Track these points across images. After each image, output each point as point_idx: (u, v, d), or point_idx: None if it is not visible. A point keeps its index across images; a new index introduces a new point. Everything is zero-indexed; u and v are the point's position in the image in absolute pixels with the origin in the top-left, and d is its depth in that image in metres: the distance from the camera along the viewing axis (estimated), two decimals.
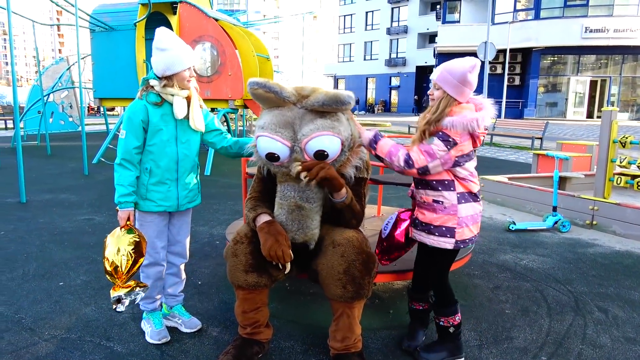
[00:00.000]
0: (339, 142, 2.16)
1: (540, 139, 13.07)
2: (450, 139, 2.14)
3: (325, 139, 2.12)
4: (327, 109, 2.13)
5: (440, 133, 2.15)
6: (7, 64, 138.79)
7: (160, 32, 2.37)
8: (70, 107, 16.01)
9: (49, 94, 12.47)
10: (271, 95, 2.13)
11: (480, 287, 3.43)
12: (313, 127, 2.12)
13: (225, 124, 11.95)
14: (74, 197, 6.13)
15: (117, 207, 2.36)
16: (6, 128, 17.27)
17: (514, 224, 4.98)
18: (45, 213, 5.27)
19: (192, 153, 2.53)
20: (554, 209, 5.10)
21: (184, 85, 2.38)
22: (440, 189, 2.23)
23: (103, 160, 9.19)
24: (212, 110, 12.82)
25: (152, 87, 2.36)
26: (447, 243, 2.25)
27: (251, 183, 2.56)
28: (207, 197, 6.15)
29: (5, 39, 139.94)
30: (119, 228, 2.31)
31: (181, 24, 9.13)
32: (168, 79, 2.35)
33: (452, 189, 2.23)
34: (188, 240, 2.73)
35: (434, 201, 2.25)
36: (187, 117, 2.42)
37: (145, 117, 2.35)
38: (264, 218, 2.26)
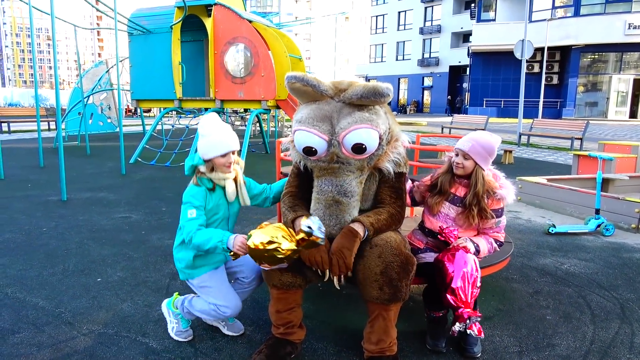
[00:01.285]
0: (377, 135, 2.14)
1: (580, 139, 12.61)
2: (500, 210, 2.58)
3: (363, 132, 2.10)
4: (365, 101, 2.12)
5: (500, 210, 2.57)
6: (50, 68, 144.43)
7: (205, 118, 2.44)
8: (109, 108, 16.49)
9: (88, 96, 12.85)
10: (308, 88, 2.13)
11: (519, 291, 3.31)
12: (351, 120, 2.10)
13: (257, 124, 12.05)
14: (111, 195, 6.29)
15: (229, 252, 2.23)
16: (49, 129, 17.89)
17: (554, 226, 4.80)
18: (84, 211, 5.43)
19: (233, 222, 2.64)
20: (597, 211, 4.89)
21: (223, 171, 2.41)
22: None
23: (140, 160, 9.40)
24: (245, 111, 13.02)
25: (203, 172, 2.41)
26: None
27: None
28: None
29: (49, 44, 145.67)
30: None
31: (215, 25, 9.26)
32: (209, 163, 2.40)
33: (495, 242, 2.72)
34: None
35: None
36: (236, 196, 2.51)
37: (203, 202, 2.39)
38: None
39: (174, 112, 16.69)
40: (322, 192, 2.23)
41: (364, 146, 2.11)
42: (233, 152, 2.44)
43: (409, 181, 2.71)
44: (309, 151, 2.16)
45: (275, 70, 9.02)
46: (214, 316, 2.49)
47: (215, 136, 2.38)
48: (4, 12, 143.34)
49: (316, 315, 2.86)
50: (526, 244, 4.44)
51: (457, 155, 2.56)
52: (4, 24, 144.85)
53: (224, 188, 2.46)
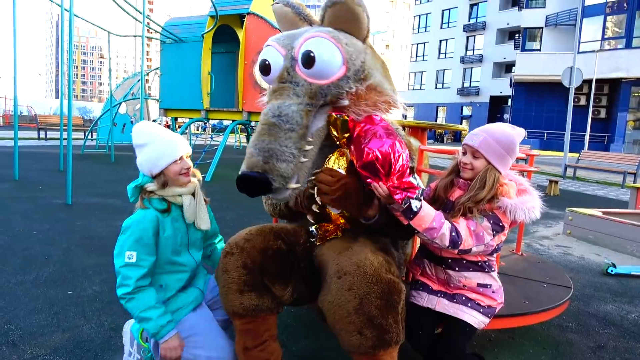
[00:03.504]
0: (336, 52, 1.65)
1: (634, 174, 11.58)
2: (501, 224, 1.78)
3: (317, 41, 1.64)
4: (333, 5, 1.69)
5: (492, 214, 1.78)
6: (100, 84, 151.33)
7: (136, 127, 1.90)
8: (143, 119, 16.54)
9: (118, 105, 12.82)
10: (287, 9, 1.83)
11: (577, 344, 2.62)
12: (311, 30, 1.72)
13: None
14: (120, 202, 5.90)
15: (159, 341, 1.78)
16: (84, 138, 18.14)
17: (614, 266, 4.05)
18: (85, 216, 5.02)
19: (201, 255, 2.08)
20: None
21: (179, 182, 1.87)
22: (486, 270, 1.90)
23: None
24: None
25: (152, 192, 1.86)
26: (482, 323, 1.88)
27: None
28: (255, 211, 5.72)
29: (101, 62, 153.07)
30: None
31: (247, 35, 8.97)
32: (160, 178, 1.85)
33: (493, 269, 1.93)
34: None
35: (480, 285, 1.89)
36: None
37: (156, 230, 1.84)
38: None
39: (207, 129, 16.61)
40: (261, 116, 1.66)
41: (312, 54, 1.63)
42: (187, 156, 1.92)
43: None
44: (263, 67, 1.73)
45: None
46: None
47: (160, 141, 1.85)
48: (62, 30, 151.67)
49: (298, 348, 2.26)
50: (581, 286, 3.71)
51: (464, 153, 1.87)
52: (63, 41, 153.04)
53: (181, 207, 1.90)
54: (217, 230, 2.22)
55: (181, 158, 1.87)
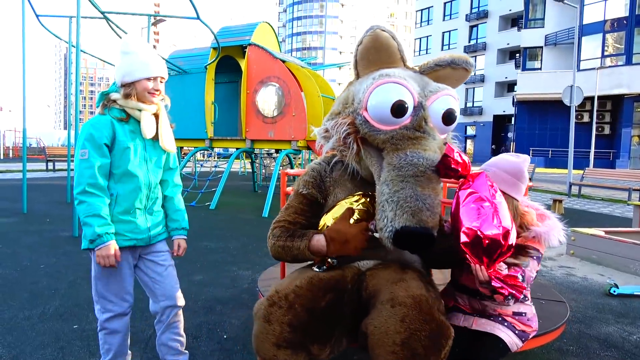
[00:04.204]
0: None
1: (639, 190, 11.54)
2: (540, 255, 1.94)
3: (453, 100, 1.76)
4: (456, 68, 1.87)
5: (533, 251, 1.91)
6: None
7: (128, 36, 2.06)
8: None
9: None
10: (394, 44, 1.84)
11: None
12: (439, 86, 1.79)
13: (289, 165, 11.75)
14: None
15: (95, 247, 1.88)
16: None
17: (617, 287, 4.04)
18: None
19: (159, 177, 2.15)
20: None
21: (145, 99, 1.98)
22: (521, 300, 1.99)
23: None
24: (276, 151, 12.80)
25: (114, 101, 1.97)
26: (516, 345, 1.96)
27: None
28: (260, 240, 5.75)
29: None
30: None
31: (249, 66, 9.18)
32: (128, 89, 1.95)
33: (527, 298, 2.03)
34: (175, 277, 2.23)
35: (515, 313, 1.99)
36: (155, 137, 2.05)
37: (111, 133, 1.94)
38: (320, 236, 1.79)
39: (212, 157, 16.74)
40: (408, 165, 1.64)
41: (455, 114, 1.76)
42: (161, 80, 2.02)
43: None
44: (399, 108, 1.69)
45: (306, 110, 8.75)
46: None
47: (143, 55, 1.96)
48: (71, 62, 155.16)
49: None
50: (583, 307, 3.71)
51: None
52: (71, 73, 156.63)
53: (139, 123, 1.98)
54: (179, 186, 2.29)
55: (155, 79, 1.98)
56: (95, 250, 1.89)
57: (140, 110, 1.98)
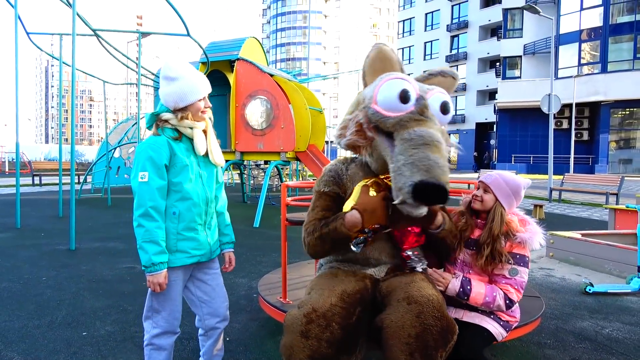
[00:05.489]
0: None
1: (616, 194, 11.98)
2: (527, 259, 2.18)
3: (447, 96, 2.09)
4: (445, 76, 2.28)
5: (519, 257, 2.16)
6: (90, 126, 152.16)
7: (170, 61, 2.12)
8: None
9: (114, 149, 13.12)
10: (395, 56, 2.16)
11: (554, 359, 2.86)
12: (433, 86, 2.11)
13: (278, 177, 11.94)
14: (122, 245, 6.12)
15: (147, 272, 1.96)
16: (78, 182, 18.34)
17: (592, 285, 4.32)
18: (89, 260, 5.24)
19: (214, 191, 2.26)
20: None
21: (198, 118, 2.11)
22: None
23: None
24: (265, 162, 13.02)
25: (166, 121, 2.08)
26: (501, 335, 2.21)
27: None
28: (253, 249, 5.94)
29: (91, 105, 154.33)
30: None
31: (237, 79, 9.40)
32: (183, 112, 2.07)
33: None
34: (223, 294, 2.33)
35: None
36: (206, 153, 2.17)
37: (169, 153, 2.00)
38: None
39: None
40: (418, 137, 1.86)
41: (449, 105, 2.06)
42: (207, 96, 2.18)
43: None
44: (404, 95, 1.95)
45: (294, 122, 8.99)
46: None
47: (191, 78, 2.06)
48: (52, 75, 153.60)
49: None
50: (561, 305, 3.97)
51: (478, 188, 2.29)
52: (52, 86, 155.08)
53: (191, 140, 2.10)
54: (226, 200, 2.42)
55: (204, 97, 2.12)
56: (147, 275, 1.97)
57: (192, 128, 2.08)
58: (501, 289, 2.15)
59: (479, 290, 2.10)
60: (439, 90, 2.08)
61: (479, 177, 2.41)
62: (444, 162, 1.83)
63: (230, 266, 2.37)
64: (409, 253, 2.06)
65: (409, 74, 2.18)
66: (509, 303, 2.14)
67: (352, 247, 2.01)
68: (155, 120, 2.09)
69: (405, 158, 1.83)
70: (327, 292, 1.94)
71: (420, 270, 2.04)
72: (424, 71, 2.35)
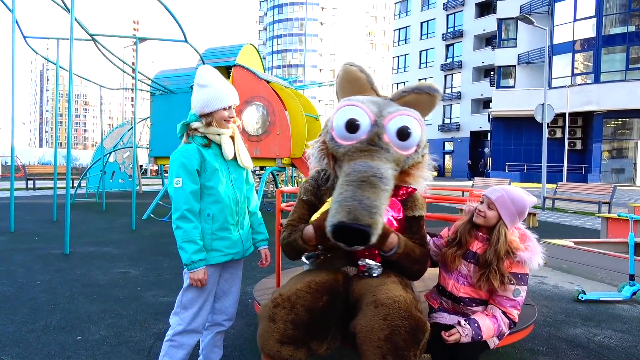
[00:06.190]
0: (420, 130, 2.01)
1: (608, 203, 12.08)
2: (527, 276, 2.15)
3: (409, 119, 1.98)
4: (420, 93, 2.07)
5: (520, 276, 2.13)
6: (85, 130, 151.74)
7: (203, 68, 2.24)
8: (131, 166, 16.78)
9: (109, 154, 13.10)
10: (362, 76, 2.10)
11: None
12: (399, 108, 2.03)
13: (273, 183, 11.97)
14: (116, 250, 6.11)
15: (188, 269, 2.12)
16: (73, 187, 18.27)
17: (584, 293, 4.36)
18: (84, 265, 5.23)
19: (245, 193, 2.38)
20: (632, 277, 4.44)
21: (222, 126, 2.22)
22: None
23: (152, 216, 9.30)
24: (261, 168, 13.06)
25: (196, 130, 2.21)
26: (493, 342, 2.20)
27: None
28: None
29: (86, 109, 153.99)
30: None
31: (234, 86, 9.39)
32: (207, 118, 2.19)
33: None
34: (236, 297, 2.48)
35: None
36: (234, 157, 2.30)
37: (200, 159, 2.15)
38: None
39: None
40: (355, 172, 1.89)
41: (409, 130, 1.96)
42: (234, 107, 2.27)
43: (427, 236, 2.36)
44: (351, 125, 1.95)
45: (291, 128, 9.02)
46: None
47: (218, 86, 2.18)
48: (47, 79, 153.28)
49: None
50: (553, 312, 4.01)
51: (482, 202, 2.24)
52: (47, 90, 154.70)
53: (219, 146, 2.22)
54: (257, 200, 2.54)
55: (230, 107, 2.21)
56: (189, 272, 2.12)
57: (219, 134, 2.21)
58: (505, 311, 2.14)
59: (488, 326, 2.10)
60: (403, 113, 2.00)
61: (472, 185, 2.38)
62: (372, 201, 1.82)
63: (266, 262, 2.52)
64: (363, 263, 2.09)
65: (403, 83, 2.20)
66: (511, 323, 2.17)
67: (303, 259, 2.10)
68: (186, 130, 2.22)
69: (336, 195, 1.88)
70: (294, 281, 2.04)
71: (376, 275, 2.06)
72: (399, 90, 2.24)
